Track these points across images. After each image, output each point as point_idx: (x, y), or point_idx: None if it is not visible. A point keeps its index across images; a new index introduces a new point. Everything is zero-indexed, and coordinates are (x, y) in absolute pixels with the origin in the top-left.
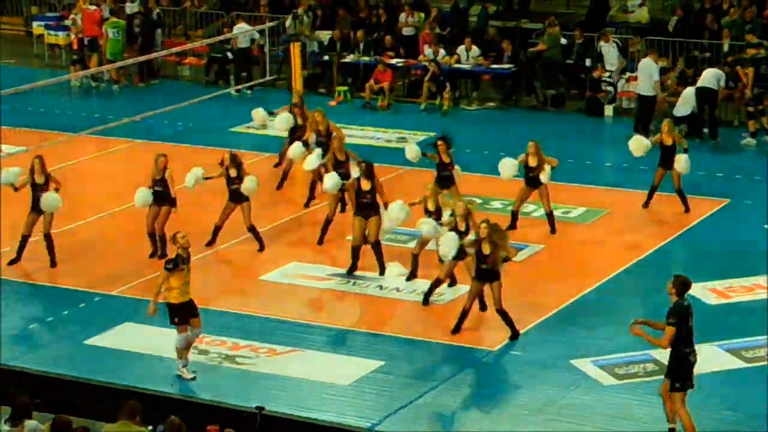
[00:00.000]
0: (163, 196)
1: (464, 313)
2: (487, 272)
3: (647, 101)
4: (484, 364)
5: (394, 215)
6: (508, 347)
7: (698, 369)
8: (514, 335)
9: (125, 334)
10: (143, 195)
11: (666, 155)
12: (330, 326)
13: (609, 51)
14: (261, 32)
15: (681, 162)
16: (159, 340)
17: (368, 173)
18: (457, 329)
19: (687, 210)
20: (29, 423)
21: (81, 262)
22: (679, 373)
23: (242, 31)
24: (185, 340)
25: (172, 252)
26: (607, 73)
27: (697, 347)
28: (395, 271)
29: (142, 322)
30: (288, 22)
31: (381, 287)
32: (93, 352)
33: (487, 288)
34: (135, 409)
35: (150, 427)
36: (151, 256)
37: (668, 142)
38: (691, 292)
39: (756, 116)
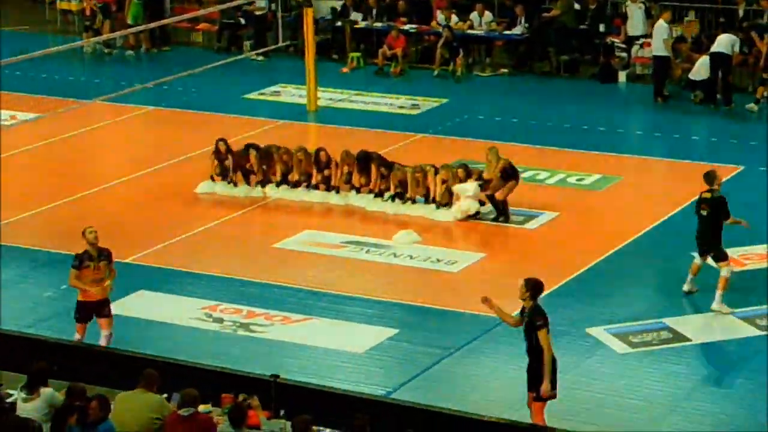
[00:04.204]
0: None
1: None
2: None
3: (661, 61)
4: (498, 331)
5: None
6: None
7: (713, 336)
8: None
9: (140, 301)
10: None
11: None
12: (344, 294)
13: (635, 12)
14: None
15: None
16: (173, 308)
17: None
18: None
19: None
20: (45, 390)
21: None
22: (553, 379)
23: None
24: (77, 342)
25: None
26: (623, 38)
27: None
28: (408, 238)
29: (157, 290)
30: None
31: (395, 255)
32: None
33: None
34: (153, 378)
35: (165, 395)
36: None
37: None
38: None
39: (766, 83)
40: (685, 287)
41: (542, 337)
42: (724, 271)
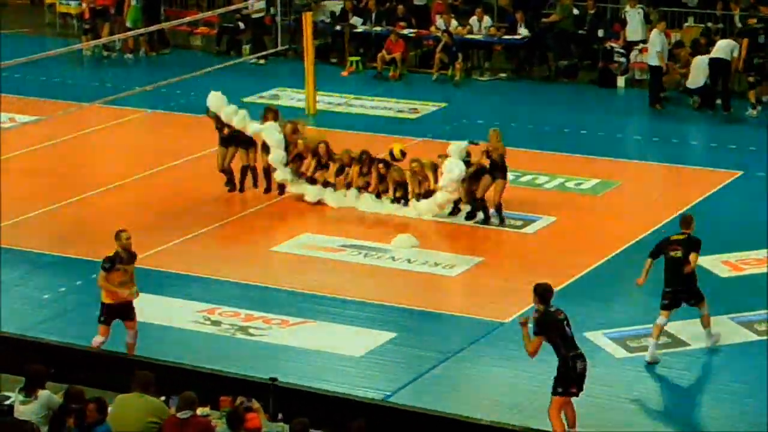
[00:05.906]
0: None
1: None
2: None
3: (655, 71)
4: (496, 335)
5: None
6: None
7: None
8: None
9: (138, 304)
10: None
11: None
12: (342, 297)
13: (634, 17)
14: (273, 1)
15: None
16: (171, 311)
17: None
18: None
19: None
20: (43, 393)
21: (93, 232)
22: (560, 376)
23: None
24: (99, 343)
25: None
26: (623, 43)
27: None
28: (406, 242)
29: (154, 292)
30: None
31: (393, 258)
32: None
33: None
34: (148, 379)
35: (163, 398)
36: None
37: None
38: (703, 264)
39: (755, 86)
40: (649, 357)
41: (533, 341)
42: (704, 310)
